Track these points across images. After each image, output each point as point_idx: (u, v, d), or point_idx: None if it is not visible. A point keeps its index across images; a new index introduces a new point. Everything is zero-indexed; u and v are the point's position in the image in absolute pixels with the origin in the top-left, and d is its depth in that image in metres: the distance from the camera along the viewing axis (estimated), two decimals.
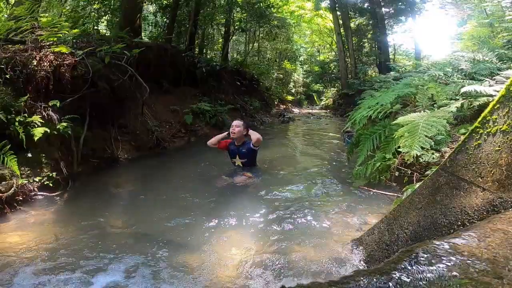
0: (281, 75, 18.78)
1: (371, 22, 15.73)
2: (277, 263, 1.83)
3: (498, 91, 2.00)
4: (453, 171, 1.43)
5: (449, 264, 0.90)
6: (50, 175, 3.00)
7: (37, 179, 2.90)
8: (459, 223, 1.33)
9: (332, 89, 19.80)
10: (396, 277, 0.88)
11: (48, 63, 3.41)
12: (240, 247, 2.02)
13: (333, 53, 20.21)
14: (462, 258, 0.92)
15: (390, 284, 0.85)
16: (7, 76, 3.17)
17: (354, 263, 1.78)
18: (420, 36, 23.18)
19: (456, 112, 2.73)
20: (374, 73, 15.62)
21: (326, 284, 0.88)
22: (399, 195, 2.60)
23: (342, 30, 15.39)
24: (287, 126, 10.01)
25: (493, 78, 3.27)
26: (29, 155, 2.97)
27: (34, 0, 4.00)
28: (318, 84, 22.27)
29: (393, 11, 15.11)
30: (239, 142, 3.61)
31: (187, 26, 9.38)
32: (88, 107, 3.86)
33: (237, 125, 3.56)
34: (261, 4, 10.20)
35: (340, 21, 15.26)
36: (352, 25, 15.97)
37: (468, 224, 1.29)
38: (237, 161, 3.64)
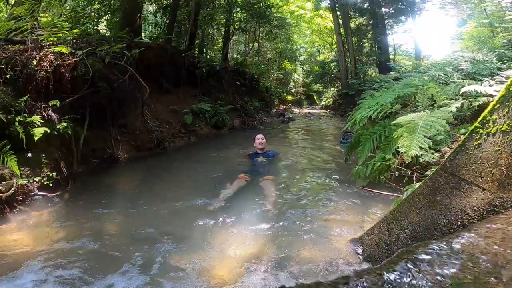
0: (281, 75, 18.78)
1: (371, 22, 15.73)
2: (277, 262, 1.83)
3: (498, 91, 2.00)
4: (453, 171, 1.43)
5: (449, 264, 0.90)
6: (50, 175, 3.00)
7: (37, 179, 2.89)
8: (459, 223, 1.33)
9: (332, 89, 19.79)
10: (396, 278, 0.88)
11: (48, 63, 3.41)
12: (240, 247, 2.02)
13: (333, 53, 20.20)
14: (462, 258, 0.92)
15: (390, 285, 0.85)
16: (7, 76, 3.17)
17: (354, 263, 1.78)
18: (420, 36, 23.17)
19: (456, 112, 2.73)
20: (374, 73, 15.62)
21: (326, 284, 0.88)
22: (399, 195, 2.60)
23: (342, 30, 15.38)
24: (287, 126, 10.00)
25: (493, 78, 3.27)
26: (29, 155, 2.97)
27: (34, 0, 4.00)
28: (318, 84, 22.26)
29: (393, 11, 15.11)
30: (263, 150, 4.05)
31: (187, 26, 9.39)
32: (88, 107, 3.86)
33: (262, 137, 4.05)
34: (261, 4, 10.19)
35: (340, 21, 15.25)
36: (352, 25, 15.96)
37: (468, 224, 1.29)
38: (260, 158, 3.95)
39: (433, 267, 0.89)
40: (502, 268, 0.85)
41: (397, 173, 2.79)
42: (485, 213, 1.26)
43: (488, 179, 1.29)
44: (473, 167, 1.35)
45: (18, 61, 3.28)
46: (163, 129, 5.70)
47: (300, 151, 5.42)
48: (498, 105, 1.32)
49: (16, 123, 2.90)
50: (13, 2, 5.46)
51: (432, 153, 2.52)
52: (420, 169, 2.69)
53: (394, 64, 12.73)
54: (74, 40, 4.11)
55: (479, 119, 1.39)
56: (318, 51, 23.72)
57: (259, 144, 4.02)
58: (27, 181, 2.79)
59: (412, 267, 0.91)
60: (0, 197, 2.46)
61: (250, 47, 15.05)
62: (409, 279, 0.87)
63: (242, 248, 2.01)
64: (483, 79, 3.28)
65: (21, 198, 2.68)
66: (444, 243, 1.01)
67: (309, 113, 15.24)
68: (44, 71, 3.35)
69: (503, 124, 1.27)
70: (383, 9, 14.81)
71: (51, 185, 2.94)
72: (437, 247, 0.98)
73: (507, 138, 1.25)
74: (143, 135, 5.00)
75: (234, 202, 2.80)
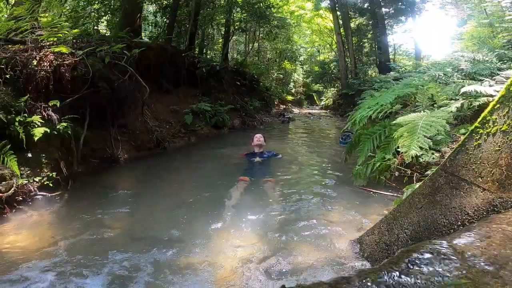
0: (281, 75, 18.80)
1: (371, 22, 15.74)
2: (277, 262, 1.83)
3: (498, 91, 2.00)
4: (453, 171, 1.43)
5: (449, 264, 0.90)
6: (50, 175, 3.00)
7: (37, 179, 2.89)
8: (459, 223, 1.33)
9: (332, 89, 19.81)
10: (396, 277, 0.88)
11: (48, 63, 3.41)
12: (240, 247, 2.02)
13: (333, 53, 20.22)
14: (462, 258, 0.92)
15: (390, 285, 0.85)
16: (7, 76, 3.17)
17: (354, 263, 1.78)
18: (420, 36, 23.19)
19: (456, 112, 2.73)
20: (374, 73, 15.63)
21: (326, 284, 0.88)
22: (399, 195, 2.60)
23: (342, 30, 15.39)
24: (287, 126, 10.00)
25: (493, 78, 3.27)
26: (29, 155, 2.97)
27: (34, 0, 4.00)
28: (318, 84, 22.28)
29: (393, 11, 15.13)
30: (260, 149, 4.05)
31: (187, 26, 9.39)
32: (88, 107, 3.86)
33: (260, 136, 4.14)
34: (261, 4, 10.20)
35: (340, 21, 15.26)
36: (352, 25, 15.98)
37: (468, 224, 1.29)
38: (256, 159, 3.94)
39: (433, 267, 0.89)
40: (502, 268, 0.85)
41: (397, 173, 2.79)
42: (485, 213, 1.26)
43: (488, 179, 1.29)
44: (473, 167, 1.35)
45: (18, 61, 3.28)
46: (163, 129, 5.70)
47: (300, 151, 5.42)
48: (498, 105, 1.32)
49: (16, 123, 2.90)
50: (13, 2, 5.46)
51: (432, 153, 2.52)
52: (420, 169, 2.69)
53: (394, 64, 12.74)
54: (74, 40, 4.11)
55: (479, 119, 1.39)
56: (318, 51, 23.73)
57: (257, 141, 4.05)
58: (27, 181, 2.79)
59: (412, 267, 0.91)
60: (0, 197, 2.46)
61: (250, 47, 15.06)
62: (409, 279, 0.87)
63: (242, 249, 2.01)
64: (483, 79, 3.28)
65: (21, 198, 2.68)
66: (444, 243, 1.01)
67: (309, 113, 15.24)
68: (44, 71, 3.35)
69: (503, 124, 1.27)
70: (383, 9, 14.82)
71: (51, 185, 2.94)
72: (437, 247, 0.98)
73: (507, 138, 1.25)
74: (143, 135, 5.00)
75: (233, 204, 2.80)
